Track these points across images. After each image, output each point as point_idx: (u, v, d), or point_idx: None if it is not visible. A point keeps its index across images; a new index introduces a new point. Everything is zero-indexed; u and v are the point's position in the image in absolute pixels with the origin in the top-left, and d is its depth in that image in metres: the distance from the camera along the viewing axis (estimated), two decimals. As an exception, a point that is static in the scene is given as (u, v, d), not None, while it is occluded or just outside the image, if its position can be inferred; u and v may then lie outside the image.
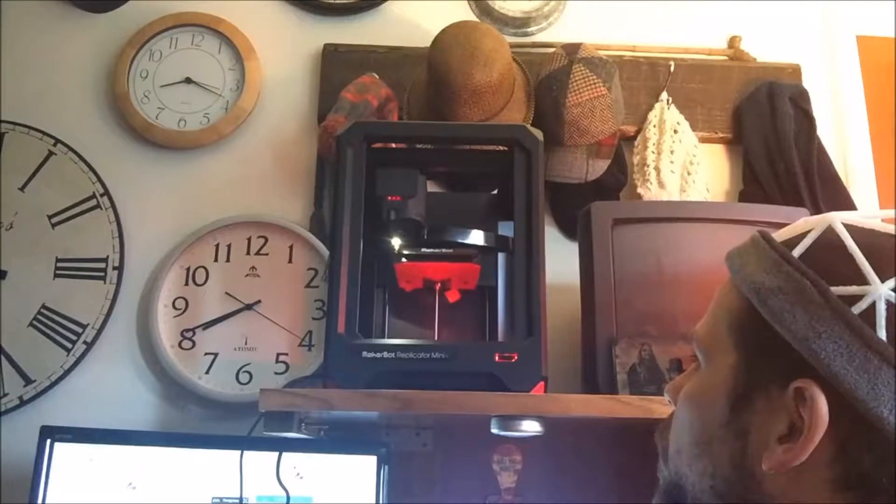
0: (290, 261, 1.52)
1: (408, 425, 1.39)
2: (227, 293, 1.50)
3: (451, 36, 1.41)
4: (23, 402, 1.45)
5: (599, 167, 1.49)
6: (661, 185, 1.49)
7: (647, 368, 1.18)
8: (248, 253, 1.52)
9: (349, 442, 1.29)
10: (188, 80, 1.63)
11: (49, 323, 1.49)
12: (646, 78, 1.62)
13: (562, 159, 1.47)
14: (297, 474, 1.21)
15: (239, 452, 1.14)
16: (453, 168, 1.43)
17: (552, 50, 1.52)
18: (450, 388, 1.08)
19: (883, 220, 0.51)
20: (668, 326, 1.21)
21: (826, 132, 1.60)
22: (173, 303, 1.50)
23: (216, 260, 1.52)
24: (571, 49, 1.45)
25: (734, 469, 0.51)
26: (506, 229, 1.22)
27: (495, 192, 1.38)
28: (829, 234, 0.51)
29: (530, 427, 1.07)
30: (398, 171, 1.19)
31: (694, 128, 1.57)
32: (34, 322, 1.49)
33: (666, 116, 1.56)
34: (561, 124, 1.42)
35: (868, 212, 0.59)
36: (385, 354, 1.09)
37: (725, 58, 1.68)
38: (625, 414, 1.08)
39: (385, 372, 1.09)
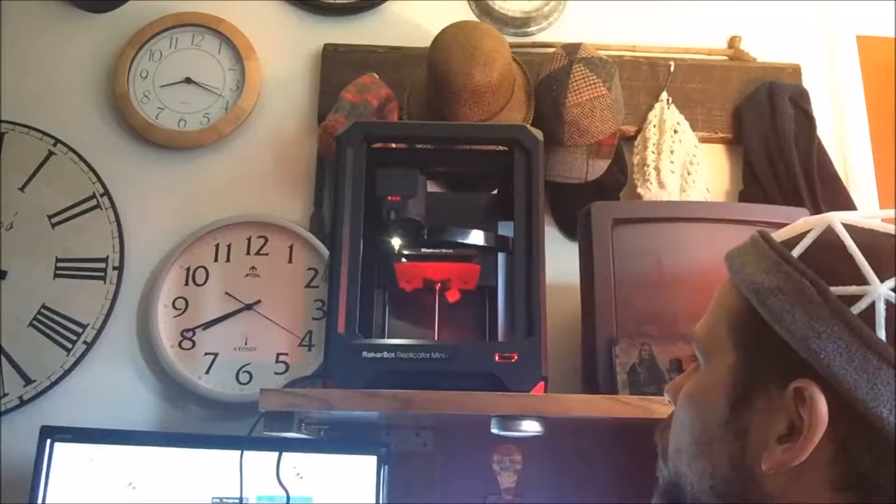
0: (290, 261, 1.52)
1: (408, 425, 1.38)
2: (227, 293, 1.50)
3: (451, 36, 1.41)
4: (23, 402, 1.45)
5: (599, 167, 1.49)
6: (661, 185, 1.49)
7: (647, 368, 1.18)
8: (248, 253, 1.52)
9: (349, 442, 1.29)
10: (188, 80, 1.63)
11: (49, 323, 1.49)
12: (646, 78, 1.62)
13: (562, 159, 1.47)
14: (297, 474, 1.21)
15: (239, 452, 1.14)
16: (453, 168, 1.43)
17: (552, 50, 1.52)
18: (450, 388, 1.08)
19: (883, 220, 0.51)
20: (668, 326, 1.21)
21: (826, 132, 1.60)
22: (173, 303, 1.50)
23: (216, 260, 1.52)
24: (571, 49, 1.45)
25: (734, 469, 0.51)
26: (506, 229, 1.22)
27: (495, 192, 1.38)
28: (828, 234, 0.51)
29: (530, 427, 1.07)
30: (398, 171, 1.19)
31: (694, 128, 1.57)
32: (34, 322, 1.49)
33: (666, 116, 1.56)
34: (561, 124, 1.42)
35: (868, 212, 0.59)
36: (385, 354, 1.09)
37: (725, 58, 1.68)
38: (625, 414, 1.08)
39: (385, 372, 1.09)
